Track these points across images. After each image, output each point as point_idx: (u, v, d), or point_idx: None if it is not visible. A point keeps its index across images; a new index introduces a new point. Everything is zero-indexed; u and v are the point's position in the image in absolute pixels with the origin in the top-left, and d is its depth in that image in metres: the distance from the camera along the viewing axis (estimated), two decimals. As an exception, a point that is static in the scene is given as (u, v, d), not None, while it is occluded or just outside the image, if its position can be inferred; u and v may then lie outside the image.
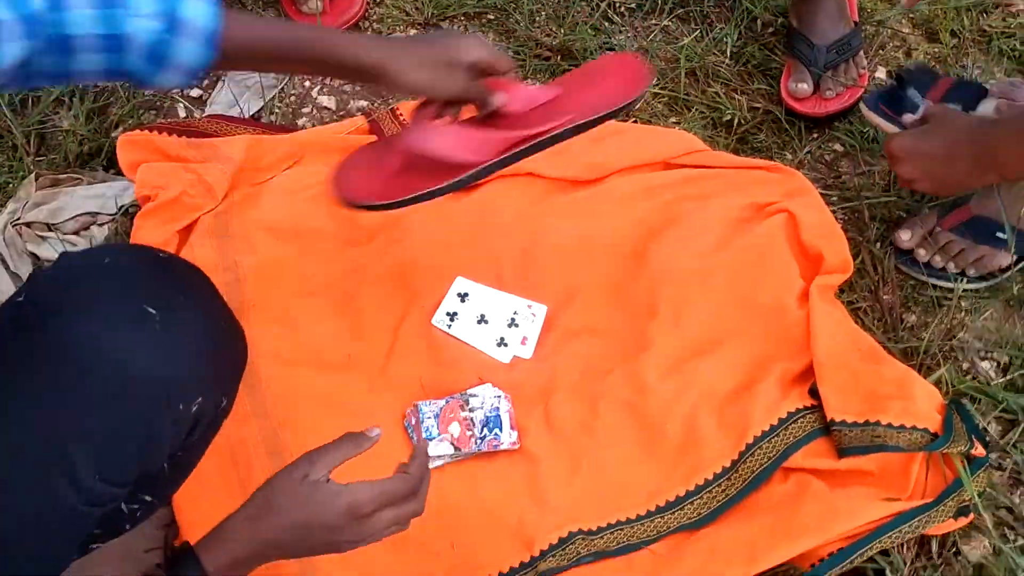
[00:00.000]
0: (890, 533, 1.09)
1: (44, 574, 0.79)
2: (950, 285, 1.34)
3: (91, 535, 0.83)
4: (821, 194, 1.41)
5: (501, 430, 1.20)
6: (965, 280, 1.34)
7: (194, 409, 0.78)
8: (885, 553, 1.10)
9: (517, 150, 1.05)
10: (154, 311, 0.76)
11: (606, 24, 1.64)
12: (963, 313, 1.34)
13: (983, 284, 1.35)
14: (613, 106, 1.06)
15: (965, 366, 1.29)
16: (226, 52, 0.82)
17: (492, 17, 1.66)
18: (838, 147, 1.53)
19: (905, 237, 1.37)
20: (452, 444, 1.19)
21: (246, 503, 0.87)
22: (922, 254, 1.36)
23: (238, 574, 0.86)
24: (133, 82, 0.82)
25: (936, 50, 1.62)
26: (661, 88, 1.56)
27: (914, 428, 1.14)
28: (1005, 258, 1.34)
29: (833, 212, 1.40)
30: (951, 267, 1.35)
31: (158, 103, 1.57)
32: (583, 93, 1.09)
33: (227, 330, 0.85)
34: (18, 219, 1.37)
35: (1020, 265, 1.35)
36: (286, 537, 0.85)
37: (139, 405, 0.74)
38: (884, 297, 1.35)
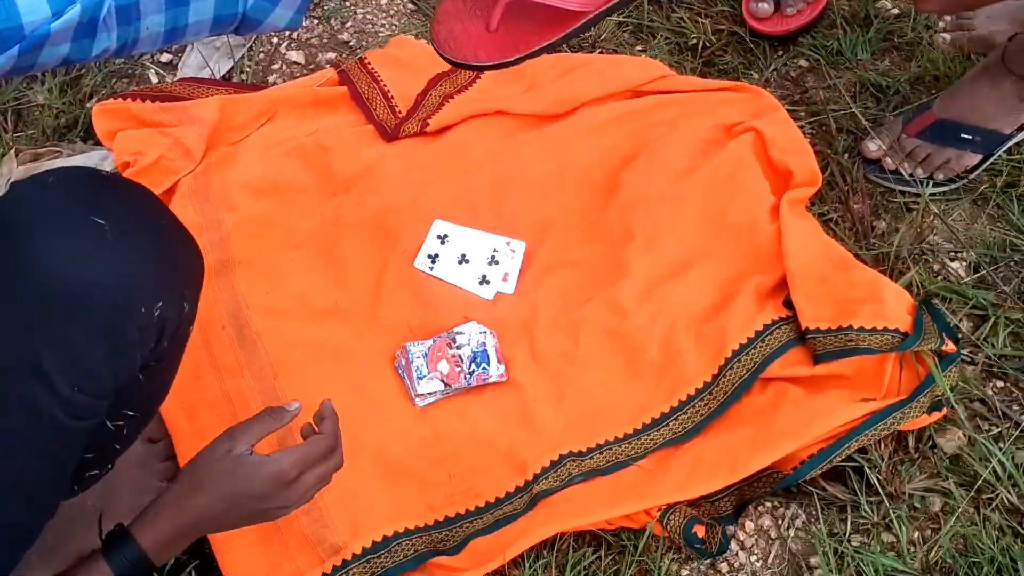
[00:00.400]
0: (867, 432, 1.13)
1: (50, 497, 0.83)
2: (918, 191, 1.37)
3: (84, 460, 0.86)
4: (788, 110, 1.43)
5: (489, 364, 1.24)
6: (932, 184, 1.37)
7: (156, 314, 0.80)
8: (864, 451, 1.15)
9: None
10: (103, 221, 0.78)
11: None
12: (932, 216, 1.37)
13: (951, 186, 1.38)
14: None
15: (936, 267, 1.32)
16: None
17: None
18: (803, 63, 1.54)
19: (872, 147, 1.39)
20: (442, 381, 1.22)
21: (174, 481, 0.91)
22: (889, 162, 1.38)
23: (174, 549, 0.90)
24: (241, 28, 0.81)
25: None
26: (626, 17, 1.57)
27: (885, 329, 1.17)
28: (971, 159, 1.37)
29: (801, 127, 1.42)
30: (919, 172, 1.38)
31: (130, 71, 1.58)
32: None
33: (177, 236, 0.87)
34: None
35: (986, 164, 1.38)
36: (217, 510, 0.89)
37: (100, 312, 0.76)
38: (854, 206, 1.37)
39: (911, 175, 1.38)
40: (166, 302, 0.81)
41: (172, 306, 0.82)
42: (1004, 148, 1.38)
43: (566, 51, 1.54)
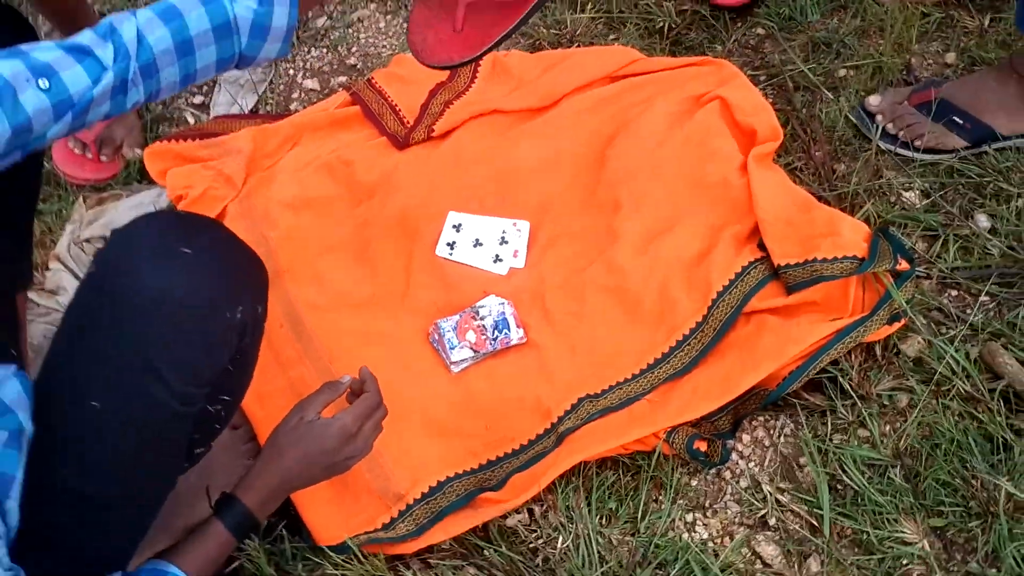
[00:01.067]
0: (836, 346, 1.31)
1: (170, 471, 1.04)
2: (902, 152, 1.51)
3: (192, 439, 1.07)
4: (749, 75, 1.61)
5: (509, 330, 1.44)
6: (913, 150, 1.49)
7: (238, 317, 1.00)
8: (836, 363, 1.33)
9: None
10: (188, 250, 0.97)
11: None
12: (886, 154, 1.54)
13: (930, 156, 1.50)
14: None
15: (892, 199, 1.50)
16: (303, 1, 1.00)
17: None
18: (760, 31, 1.71)
19: (874, 102, 1.54)
20: (471, 349, 1.42)
21: (262, 452, 1.13)
22: (880, 119, 1.53)
23: (271, 506, 1.14)
24: (240, 64, 0.99)
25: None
26: (597, 11, 1.75)
27: (844, 257, 1.35)
28: (955, 141, 1.49)
29: (762, 89, 1.60)
30: (902, 135, 1.52)
31: (168, 115, 1.80)
32: None
33: (244, 254, 1.06)
34: (79, 237, 1.62)
35: (972, 151, 1.49)
36: (299, 467, 1.12)
37: (195, 321, 0.96)
38: (815, 154, 1.55)
39: (895, 136, 1.51)
40: (244, 306, 1.01)
41: (248, 309, 1.02)
42: (995, 145, 1.48)
43: (547, 48, 1.73)
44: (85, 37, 0.92)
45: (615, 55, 1.65)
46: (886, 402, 1.31)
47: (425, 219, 1.55)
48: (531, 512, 1.30)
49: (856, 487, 1.25)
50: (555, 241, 1.51)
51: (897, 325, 1.34)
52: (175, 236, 0.98)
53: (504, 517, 1.29)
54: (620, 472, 1.31)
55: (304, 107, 1.76)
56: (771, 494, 1.28)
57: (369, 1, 1.86)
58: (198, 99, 1.81)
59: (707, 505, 1.29)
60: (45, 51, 0.90)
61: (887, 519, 1.22)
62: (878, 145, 1.52)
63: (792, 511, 1.26)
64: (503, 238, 1.53)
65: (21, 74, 0.88)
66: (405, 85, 1.68)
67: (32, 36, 1.22)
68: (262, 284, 1.08)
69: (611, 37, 1.74)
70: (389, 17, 1.85)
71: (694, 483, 1.31)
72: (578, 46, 1.72)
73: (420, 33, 1.12)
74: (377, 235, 1.56)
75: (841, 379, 1.32)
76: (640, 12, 1.74)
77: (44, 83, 0.88)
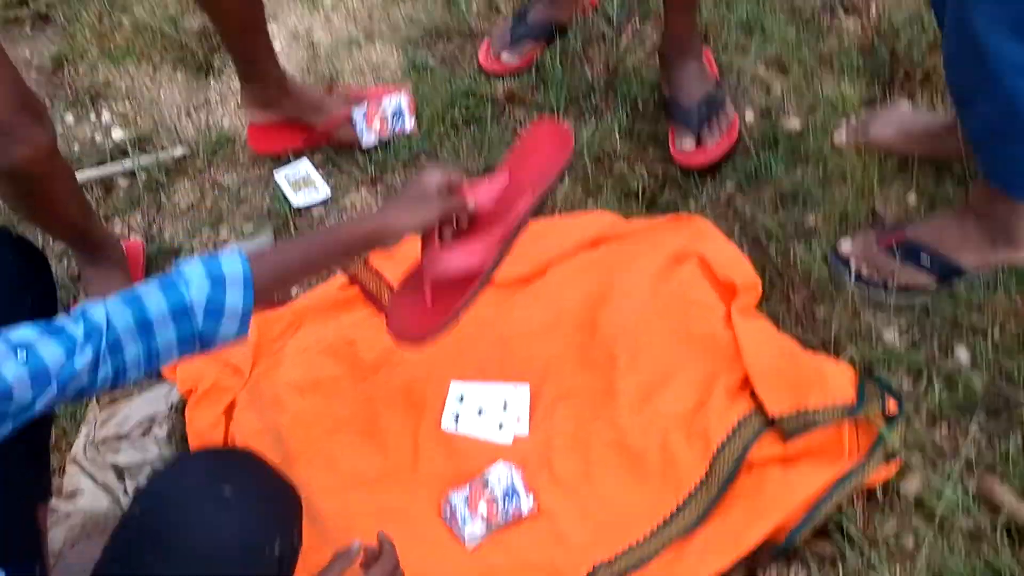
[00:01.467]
0: (838, 492, 1.35)
1: None
2: (876, 294, 1.58)
3: None
4: (724, 229, 1.70)
5: (519, 498, 1.47)
6: (887, 291, 1.58)
7: (277, 551, 1.04)
8: (840, 507, 1.36)
9: (510, 238, 1.27)
10: (228, 489, 1.03)
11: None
12: (862, 296, 1.61)
13: (905, 296, 1.57)
14: (558, 168, 1.27)
15: (874, 340, 1.56)
16: (260, 287, 1.08)
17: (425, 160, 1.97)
18: (729, 186, 1.82)
19: (846, 247, 1.63)
20: (484, 521, 1.45)
21: None
22: (852, 263, 1.62)
23: None
24: (201, 344, 1.07)
25: (792, 82, 1.92)
26: (575, 180, 1.86)
27: (834, 405, 1.41)
28: (924, 280, 1.57)
29: (737, 241, 1.69)
30: (874, 276, 1.60)
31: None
32: (528, 168, 1.32)
33: (280, 487, 1.11)
34: (93, 439, 1.66)
35: (943, 286, 1.57)
36: None
37: (239, 559, 1.00)
38: (795, 298, 1.62)
39: (868, 278, 1.59)
40: (282, 538, 1.06)
41: (286, 540, 1.07)
42: (964, 280, 1.55)
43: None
44: (59, 320, 1.01)
45: (595, 221, 1.75)
46: (892, 544, 1.34)
47: (428, 391, 1.61)
48: None
49: (875, 635, 1.26)
50: (557, 403, 1.57)
51: (894, 464, 1.38)
52: (215, 477, 1.04)
53: None
54: (641, 637, 1.32)
55: (304, 292, 1.83)
56: (793, 648, 1.29)
57: (360, 184, 1.96)
58: (202, 290, 1.89)
59: (732, 663, 1.30)
60: (23, 331, 0.99)
61: (910, 666, 1.23)
62: (854, 290, 1.60)
63: (816, 664, 1.27)
64: (505, 404, 1.58)
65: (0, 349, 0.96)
66: (400, 264, 1.76)
67: (44, 266, 1.31)
68: (296, 513, 1.13)
69: (590, 202, 1.84)
70: (379, 198, 1.95)
71: (715, 642, 1.32)
72: (560, 212, 1.81)
73: (399, 319, 1.25)
74: (383, 410, 1.61)
75: (847, 524, 1.35)
76: (615, 177, 1.85)
77: (22, 355, 0.96)
